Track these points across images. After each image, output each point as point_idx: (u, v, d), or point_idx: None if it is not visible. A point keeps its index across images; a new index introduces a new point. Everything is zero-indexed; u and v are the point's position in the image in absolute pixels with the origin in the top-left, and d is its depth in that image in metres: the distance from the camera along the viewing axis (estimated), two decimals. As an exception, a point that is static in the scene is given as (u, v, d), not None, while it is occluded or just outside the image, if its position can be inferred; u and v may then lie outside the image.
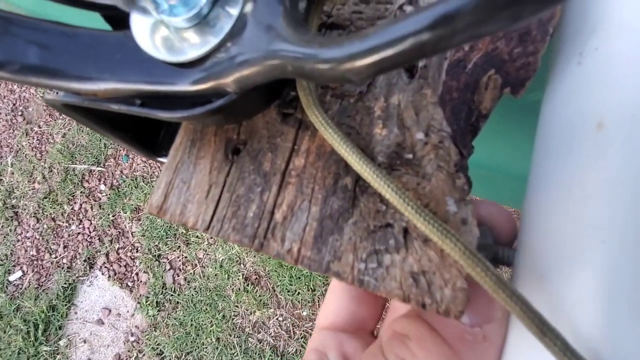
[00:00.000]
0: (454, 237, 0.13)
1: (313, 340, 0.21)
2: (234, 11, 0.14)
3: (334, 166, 0.17)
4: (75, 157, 1.34)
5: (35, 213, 1.33)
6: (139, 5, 0.15)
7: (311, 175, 0.17)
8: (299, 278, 1.06)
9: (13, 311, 1.22)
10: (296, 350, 1.00)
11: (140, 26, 0.15)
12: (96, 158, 1.32)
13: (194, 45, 0.15)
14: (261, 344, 1.04)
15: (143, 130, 0.24)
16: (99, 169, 1.32)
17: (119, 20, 0.17)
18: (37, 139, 1.41)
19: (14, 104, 1.50)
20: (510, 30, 0.19)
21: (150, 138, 0.25)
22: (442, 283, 0.14)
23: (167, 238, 1.19)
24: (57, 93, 0.17)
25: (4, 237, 1.33)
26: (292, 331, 1.03)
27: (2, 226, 1.35)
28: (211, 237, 1.16)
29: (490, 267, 0.13)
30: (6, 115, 1.49)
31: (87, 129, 1.39)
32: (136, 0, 0.14)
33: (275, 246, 0.16)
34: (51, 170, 1.35)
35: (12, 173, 1.40)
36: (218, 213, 0.17)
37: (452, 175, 0.15)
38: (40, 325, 1.19)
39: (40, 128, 1.43)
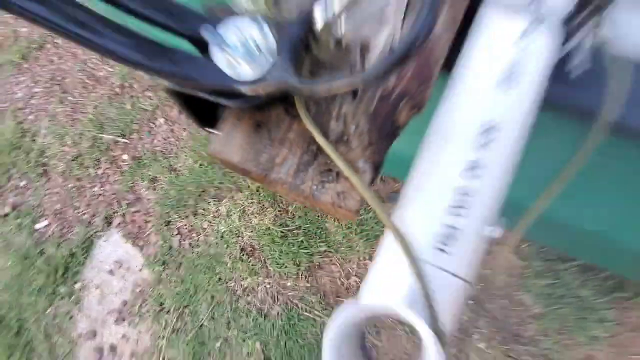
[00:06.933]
0: (354, 174, 0.29)
1: None
2: (271, 58, 0.30)
3: (308, 139, 0.33)
4: (104, 128, 1.51)
5: (63, 172, 1.50)
6: (222, 50, 0.31)
7: (297, 143, 0.33)
8: (287, 254, 1.22)
9: (38, 254, 1.39)
10: (278, 312, 1.17)
11: (218, 56, 0.32)
12: (122, 131, 1.49)
13: (249, 73, 0.31)
14: (249, 305, 1.20)
15: (204, 111, 0.40)
16: (124, 140, 1.48)
17: (200, 43, 0.33)
18: (71, 108, 1.58)
19: (53, 74, 1.67)
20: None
21: (206, 117, 0.42)
22: (350, 197, 0.30)
23: (177, 208, 1.35)
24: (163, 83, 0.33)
25: (34, 190, 1.50)
26: (276, 297, 1.19)
27: (32, 180, 1.52)
28: (216, 211, 1.32)
29: (370, 190, 0.29)
30: (45, 83, 1.67)
31: (117, 103, 1.54)
32: (224, 50, 0.31)
33: (274, 175, 0.32)
34: (81, 137, 1.52)
35: (46, 135, 1.57)
36: (246, 156, 0.33)
37: (365, 149, 0.32)
38: (60, 269, 1.35)
39: (74, 98, 1.60)
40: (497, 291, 1.04)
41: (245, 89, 0.30)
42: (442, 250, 0.28)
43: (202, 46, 0.32)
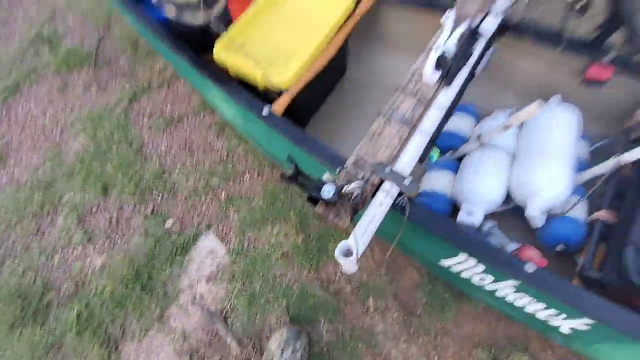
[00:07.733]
0: (348, 222, 1.46)
1: None
2: (333, 194, 1.48)
3: (344, 213, 1.49)
4: (213, 175, 2.70)
5: (185, 196, 2.66)
6: (322, 191, 1.49)
7: (340, 213, 1.49)
8: (306, 259, 2.32)
9: (166, 239, 2.49)
10: (296, 287, 2.24)
11: (321, 192, 1.50)
12: (224, 178, 2.68)
13: (327, 197, 1.49)
14: (281, 281, 2.28)
15: (314, 200, 1.58)
16: (224, 184, 2.66)
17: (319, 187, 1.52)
18: (195, 160, 2.79)
19: (186, 139, 2.91)
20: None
21: (314, 202, 1.59)
22: (345, 225, 1.46)
23: (249, 226, 2.49)
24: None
25: (166, 202, 2.65)
26: (296, 280, 2.28)
27: (165, 197, 2.68)
28: (271, 230, 2.45)
29: (350, 225, 1.45)
30: (180, 145, 2.89)
31: (223, 164, 2.75)
32: (322, 193, 1.49)
33: (332, 220, 1.48)
34: (199, 179, 2.71)
35: (177, 174, 2.76)
36: (324, 213, 1.49)
37: (349, 214, 1.48)
38: (178, 249, 2.45)
39: (197, 156, 2.82)
40: (405, 286, 2.15)
41: (325, 199, 1.47)
42: (362, 235, 1.42)
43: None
